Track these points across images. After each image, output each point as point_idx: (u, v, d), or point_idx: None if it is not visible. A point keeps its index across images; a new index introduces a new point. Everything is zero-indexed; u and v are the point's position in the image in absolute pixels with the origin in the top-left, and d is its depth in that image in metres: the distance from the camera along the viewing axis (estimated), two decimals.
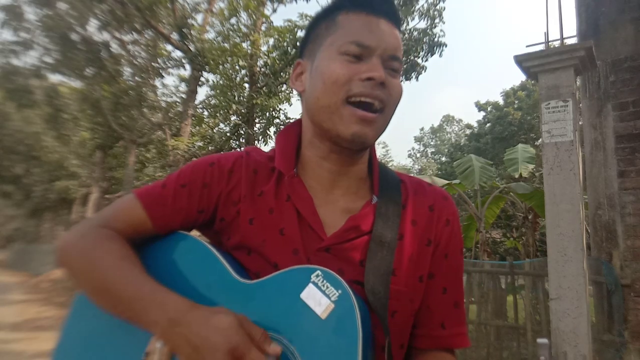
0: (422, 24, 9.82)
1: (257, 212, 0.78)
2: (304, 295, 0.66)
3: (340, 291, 0.65)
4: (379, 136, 0.77)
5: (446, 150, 38.95)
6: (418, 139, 48.78)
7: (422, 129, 49.03)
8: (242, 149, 0.91)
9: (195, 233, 0.83)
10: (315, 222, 0.77)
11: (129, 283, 0.70)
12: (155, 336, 0.67)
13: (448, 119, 47.76)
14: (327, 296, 0.65)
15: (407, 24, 9.61)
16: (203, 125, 12.97)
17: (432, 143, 47.54)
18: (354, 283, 0.70)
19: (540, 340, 2.49)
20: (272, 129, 10.88)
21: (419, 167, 42.51)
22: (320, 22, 0.81)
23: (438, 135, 47.37)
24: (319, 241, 0.76)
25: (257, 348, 0.62)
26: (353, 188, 0.82)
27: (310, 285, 0.66)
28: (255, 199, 0.80)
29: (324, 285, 0.65)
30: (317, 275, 0.66)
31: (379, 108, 0.74)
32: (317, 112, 0.77)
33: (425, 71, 9.93)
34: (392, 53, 0.76)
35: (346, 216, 0.78)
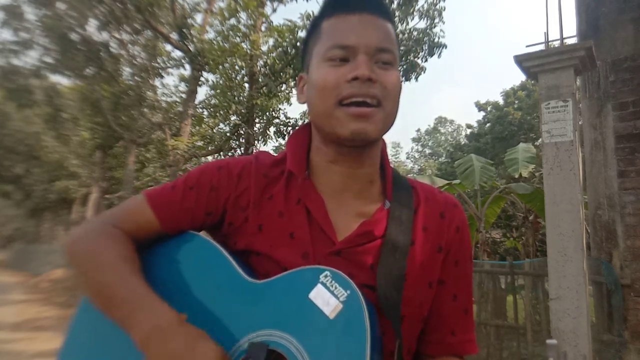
0: (422, 24, 9.82)
1: (267, 217, 0.79)
2: (312, 295, 0.66)
3: (348, 291, 0.65)
4: (383, 130, 0.76)
5: (442, 151, 38.96)
6: (415, 140, 48.77)
7: (418, 130, 49.05)
8: (252, 152, 0.92)
9: (203, 233, 0.83)
10: (326, 225, 0.77)
11: (123, 284, 0.71)
12: (134, 341, 0.66)
13: (441, 121, 47.69)
14: (336, 296, 0.65)
15: (407, 24, 9.60)
16: (203, 125, 12.95)
17: (429, 144, 47.51)
18: (365, 287, 0.70)
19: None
20: (272, 129, 10.87)
21: (419, 167, 42.49)
22: (310, 35, 0.82)
23: (433, 136, 47.29)
24: (330, 245, 0.76)
25: None
26: (365, 191, 0.82)
27: (319, 285, 0.67)
28: (265, 203, 0.80)
29: (332, 286, 0.66)
30: (326, 276, 0.67)
31: (374, 104, 0.73)
32: (317, 119, 0.78)
33: (424, 72, 9.92)
34: (378, 45, 0.74)
35: (358, 220, 0.78)
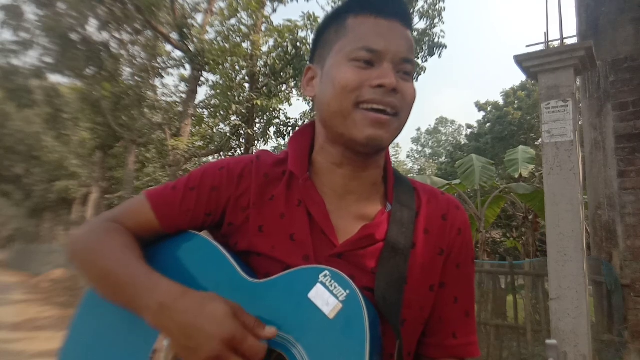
0: (422, 24, 9.83)
1: (267, 218, 0.78)
2: (311, 294, 0.66)
3: (348, 291, 0.65)
4: (394, 139, 0.76)
5: (442, 151, 38.98)
6: (415, 140, 48.80)
7: (418, 130, 49.03)
8: (253, 152, 0.91)
9: (204, 233, 0.83)
10: (327, 227, 0.76)
11: (126, 269, 0.71)
12: (146, 321, 0.67)
13: (442, 121, 47.73)
14: (335, 296, 0.65)
15: None
16: (203, 125, 12.95)
17: (430, 144, 47.52)
18: (365, 289, 0.70)
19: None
20: (272, 129, 10.87)
21: (418, 167, 42.49)
22: (329, 26, 0.80)
23: (434, 137, 47.33)
24: (330, 247, 0.75)
25: (253, 335, 0.63)
26: (366, 194, 0.81)
27: (318, 285, 0.66)
28: (266, 204, 0.79)
29: (332, 285, 0.66)
30: (325, 275, 0.67)
31: (392, 113, 0.73)
32: (329, 117, 0.76)
33: (424, 72, 9.92)
34: (404, 56, 0.74)
35: (359, 223, 0.77)
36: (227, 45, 10.13)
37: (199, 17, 11.91)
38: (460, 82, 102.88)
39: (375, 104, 0.72)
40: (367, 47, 0.73)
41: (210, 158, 11.67)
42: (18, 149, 21.34)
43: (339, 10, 0.79)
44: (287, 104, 11.06)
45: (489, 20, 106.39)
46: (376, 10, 0.75)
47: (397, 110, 0.74)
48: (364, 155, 0.77)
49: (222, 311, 0.63)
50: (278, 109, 10.80)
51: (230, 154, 11.02)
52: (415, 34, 9.67)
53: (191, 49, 10.51)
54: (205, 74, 11.25)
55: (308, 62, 0.86)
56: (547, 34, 3.52)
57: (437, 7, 9.67)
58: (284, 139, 10.82)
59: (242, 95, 10.21)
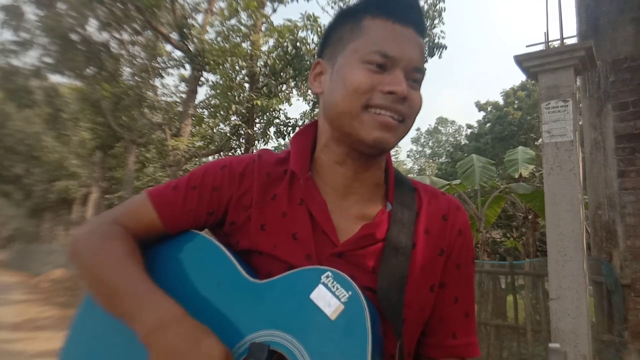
0: None
1: (269, 217, 0.78)
2: (313, 295, 0.66)
3: (350, 292, 0.65)
4: (398, 142, 0.77)
5: (442, 151, 39.02)
6: (415, 140, 48.86)
7: (418, 130, 49.02)
8: (255, 151, 0.91)
9: (205, 232, 0.83)
10: (328, 227, 0.76)
11: (126, 279, 0.70)
12: (137, 335, 0.65)
13: (442, 121, 47.75)
14: (337, 297, 0.65)
15: None
16: (203, 125, 12.95)
17: (429, 144, 47.56)
18: (366, 289, 0.70)
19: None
20: (272, 129, 10.87)
21: (418, 167, 42.49)
22: (343, 23, 0.79)
23: (434, 137, 47.36)
24: (331, 247, 0.76)
25: None
26: (368, 194, 0.82)
27: (320, 285, 0.66)
28: (268, 203, 0.79)
29: (334, 286, 0.66)
30: (327, 276, 0.67)
31: (399, 120, 0.74)
32: (336, 117, 0.76)
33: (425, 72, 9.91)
34: (416, 65, 0.75)
35: (360, 223, 0.78)
36: (227, 45, 10.13)
37: (199, 17, 11.93)
38: (460, 82, 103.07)
39: (384, 110, 0.72)
40: (382, 52, 0.73)
41: (210, 158, 11.67)
42: (18, 149, 21.34)
43: (355, 8, 0.79)
44: (287, 104, 11.07)
45: (489, 20, 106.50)
46: (394, 15, 0.75)
47: (404, 117, 0.75)
48: (367, 156, 0.78)
49: (219, 350, 0.62)
50: (278, 109, 10.80)
51: (230, 154, 11.02)
52: None
53: (191, 49, 10.51)
54: (205, 74, 11.26)
55: (316, 57, 0.85)
56: (547, 34, 3.53)
57: (437, 7, 9.68)
58: (284, 139, 10.83)
59: (242, 95, 10.20)
